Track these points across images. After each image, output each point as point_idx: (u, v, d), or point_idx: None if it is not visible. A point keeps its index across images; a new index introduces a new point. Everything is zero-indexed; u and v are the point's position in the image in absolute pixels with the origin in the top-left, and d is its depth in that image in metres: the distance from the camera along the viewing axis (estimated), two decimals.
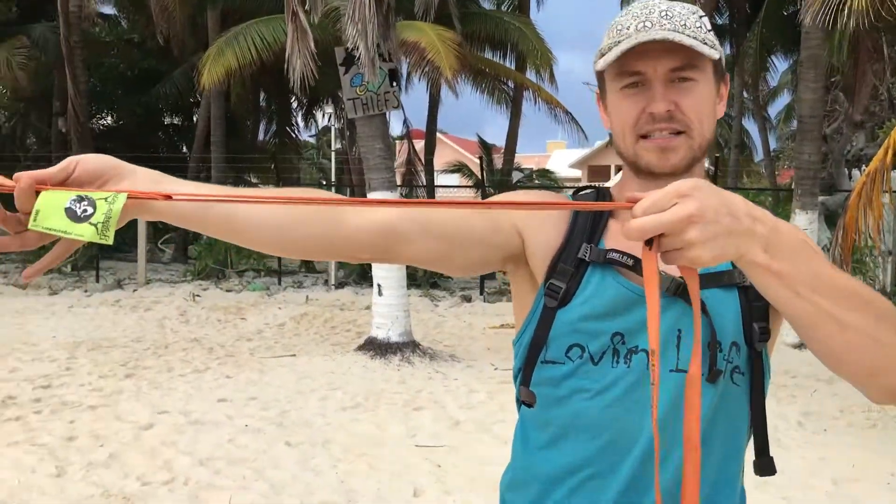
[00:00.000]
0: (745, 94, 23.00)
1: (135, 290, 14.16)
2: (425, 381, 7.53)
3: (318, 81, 9.03)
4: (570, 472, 1.26)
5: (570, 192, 1.43)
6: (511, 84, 19.52)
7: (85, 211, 0.93)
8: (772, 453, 1.28)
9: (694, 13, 1.23)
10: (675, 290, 1.21)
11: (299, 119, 25.28)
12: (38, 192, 0.95)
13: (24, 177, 0.95)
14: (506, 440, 5.50)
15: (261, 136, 24.98)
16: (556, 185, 22.94)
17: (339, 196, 0.99)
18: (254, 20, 14.99)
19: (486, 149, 22.81)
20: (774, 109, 32.65)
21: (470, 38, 17.07)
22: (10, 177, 0.96)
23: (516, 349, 1.33)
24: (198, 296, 13.40)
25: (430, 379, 7.61)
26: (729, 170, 22.96)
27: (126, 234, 19.51)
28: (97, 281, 15.32)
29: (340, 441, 5.55)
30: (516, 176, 22.71)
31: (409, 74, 20.61)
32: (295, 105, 24.14)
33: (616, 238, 1.28)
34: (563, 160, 45.77)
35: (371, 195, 8.59)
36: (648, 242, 0.89)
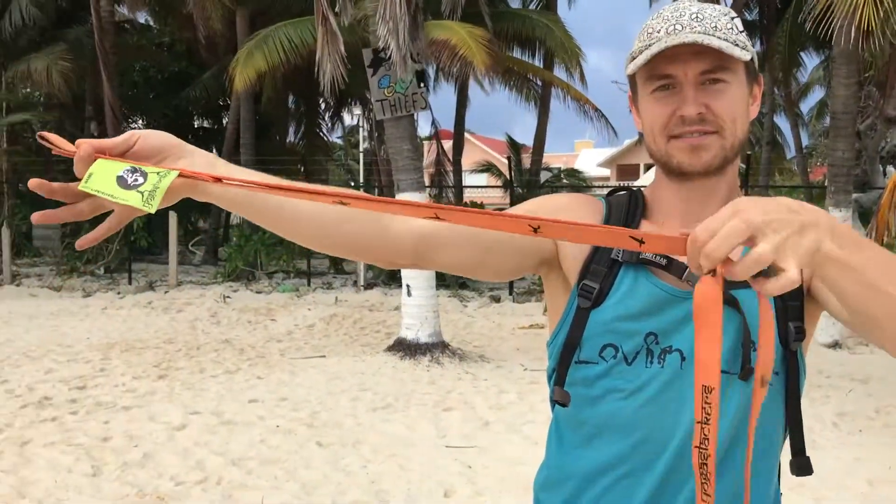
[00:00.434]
0: (776, 91, 22.73)
1: (166, 292, 14.32)
2: (455, 381, 7.53)
3: (347, 83, 9.08)
4: (605, 471, 1.27)
5: (604, 193, 1.43)
6: (539, 82, 19.47)
7: (136, 181, 0.96)
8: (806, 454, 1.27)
9: (725, 14, 1.23)
10: None
11: (327, 120, 25.42)
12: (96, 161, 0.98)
13: (85, 144, 0.98)
14: (536, 441, 5.50)
15: (290, 138, 25.14)
16: (584, 185, 22.83)
17: (386, 198, 1.00)
18: (282, 23, 15.08)
19: (514, 148, 22.77)
20: (806, 106, 32.29)
21: (498, 37, 17.04)
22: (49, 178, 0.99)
23: (550, 350, 1.34)
24: (228, 297, 13.52)
25: (459, 379, 7.61)
26: (761, 167, 22.73)
27: (157, 236, 19.81)
28: (129, 283, 15.52)
29: (371, 441, 5.57)
30: (544, 175, 22.66)
31: (437, 75, 20.64)
32: (323, 107, 24.27)
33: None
34: (592, 159, 45.63)
35: (399, 196, 8.61)
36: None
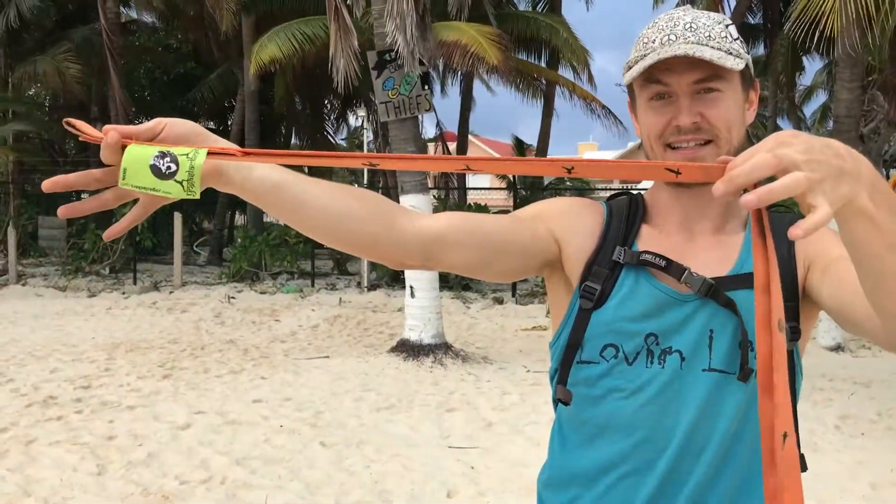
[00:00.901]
0: (778, 94, 22.72)
1: (171, 292, 14.36)
2: (458, 382, 7.55)
3: (351, 84, 9.10)
4: (607, 470, 1.29)
5: (606, 196, 1.46)
6: (544, 81, 19.48)
7: (169, 168, 0.96)
8: (809, 457, 1.30)
9: (720, 22, 1.24)
10: (707, 292, 1.24)
11: (332, 122, 25.45)
12: (122, 147, 0.98)
13: (113, 131, 0.98)
14: (538, 442, 5.52)
15: (294, 140, 25.18)
16: (587, 187, 22.83)
17: (412, 155, 1.02)
18: (293, 21, 15.11)
19: (521, 148, 22.76)
20: (809, 109, 32.22)
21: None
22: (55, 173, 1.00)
23: (553, 351, 1.36)
24: (232, 298, 13.55)
25: (462, 380, 7.63)
26: None
27: (162, 236, 19.86)
28: (134, 283, 15.56)
29: (374, 442, 5.60)
30: (548, 178, 22.66)
31: (443, 77, 20.66)
32: (328, 108, 24.31)
33: (648, 241, 1.31)
34: None
35: (403, 198, 8.64)
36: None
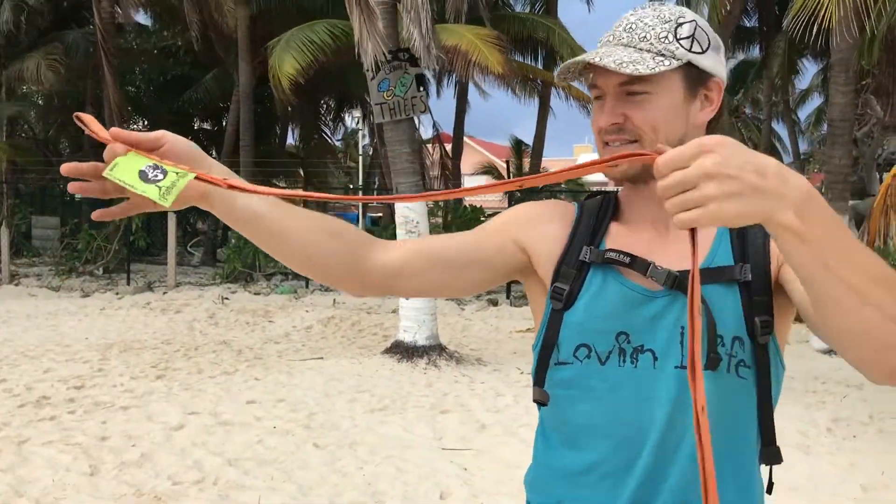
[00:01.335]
0: (773, 97, 22.78)
1: (165, 293, 14.34)
2: (452, 384, 7.55)
3: (347, 84, 9.09)
4: (588, 470, 1.30)
5: (583, 198, 1.48)
6: (540, 83, 19.51)
7: (156, 177, 1.03)
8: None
9: (667, 21, 1.23)
10: (673, 284, 1.24)
11: (329, 122, 25.45)
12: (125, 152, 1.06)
13: (121, 137, 1.06)
14: (532, 444, 5.50)
15: (289, 140, 25.17)
16: (582, 189, 22.86)
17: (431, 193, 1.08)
18: (295, 28, 15.17)
19: (518, 149, 22.74)
20: (804, 112, 32.32)
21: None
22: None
23: (534, 353, 1.37)
24: (226, 298, 13.54)
25: (456, 382, 7.63)
26: None
27: (156, 236, 19.82)
28: (128, 283, 15.53)
29: (368, 443, 5.60)
30: None
31: (439, 79, 20.67)
32: (324, 108, 24.30)
33: (616, 239, 1.32)
34: None
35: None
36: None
